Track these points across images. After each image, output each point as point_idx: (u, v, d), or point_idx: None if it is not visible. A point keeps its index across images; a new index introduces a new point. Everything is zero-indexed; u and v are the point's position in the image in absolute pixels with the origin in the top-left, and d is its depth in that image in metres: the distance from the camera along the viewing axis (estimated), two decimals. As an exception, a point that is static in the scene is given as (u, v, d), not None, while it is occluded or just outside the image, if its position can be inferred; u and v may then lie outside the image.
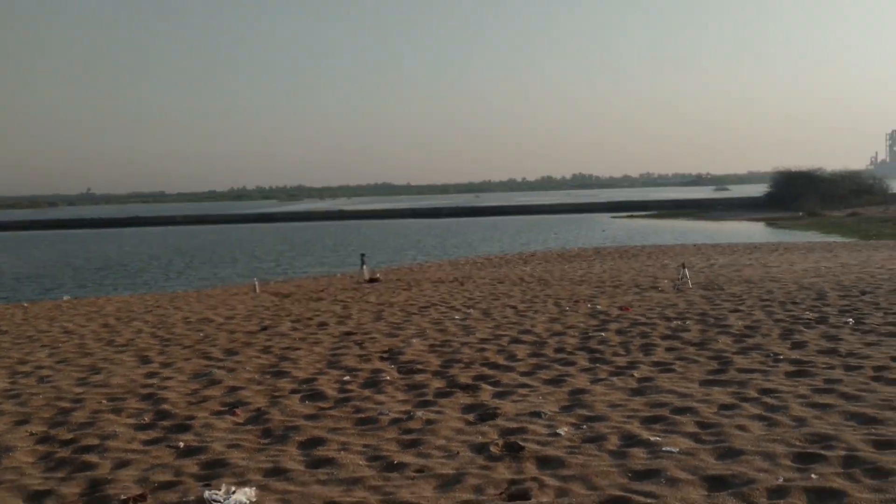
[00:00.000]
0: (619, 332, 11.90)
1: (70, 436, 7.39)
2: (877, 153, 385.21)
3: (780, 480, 5.35)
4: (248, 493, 5.49)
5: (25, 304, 21.69)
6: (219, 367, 10.40)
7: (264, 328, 14.03)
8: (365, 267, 25.10)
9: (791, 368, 8.89)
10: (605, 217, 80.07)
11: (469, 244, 48.01)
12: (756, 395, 7.76)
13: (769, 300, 14.73)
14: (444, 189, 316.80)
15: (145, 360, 11.33)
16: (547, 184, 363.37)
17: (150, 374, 10.21)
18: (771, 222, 59.21)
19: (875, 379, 8.21)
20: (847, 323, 11.77)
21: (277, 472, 6.07)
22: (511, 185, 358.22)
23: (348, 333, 12.95)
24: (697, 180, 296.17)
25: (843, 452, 5.85)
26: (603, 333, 11.76)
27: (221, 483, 5.72)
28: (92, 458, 6.64)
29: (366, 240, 53.97)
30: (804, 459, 5.79)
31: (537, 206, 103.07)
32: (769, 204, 77.16)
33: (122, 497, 5.60)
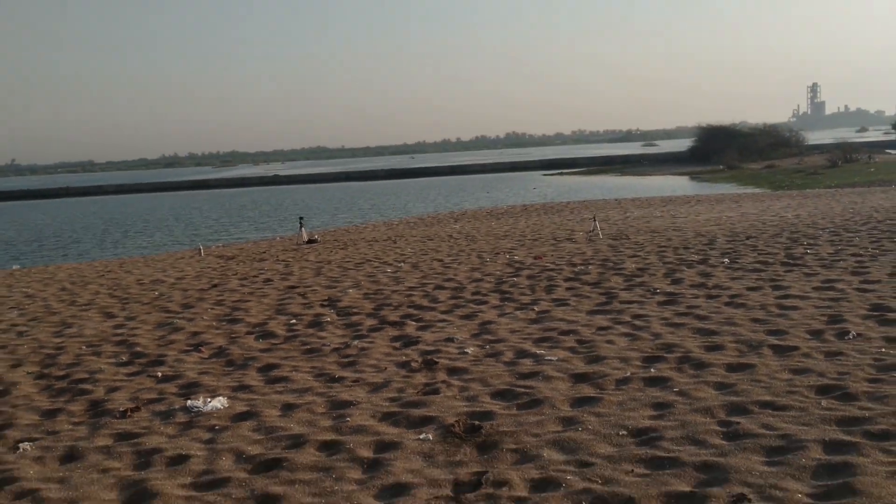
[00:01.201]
0: (529, 277, 13.65)
1: (62, 373, 8.83)
2: (798, 106, 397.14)
3: (627, 374, 7.14)
4: (221, 401, 7.07)
5: (-24, 274, 22.53)
6: (179, 318, 11.84)
7: (214, 285, 15.43)
8: (303, 229, 26.42)
9: (664, 299, 10.77)
10: (537, 175, 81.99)
11: (404, 205, 49.36)
12: (629, 319, 9.59)
13: (666, 246, 16.66)
14: (379, 151, 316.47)
15: (110, 315, 12.68)
16: (481, 143, 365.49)
17: (118, 326, 11.61)
18: (694, 176, 61.80)
19: (727, 304, 10.11)
20: (723, 262, 13.74)
21: (242, 387, 7.66)
22: (445, 146, 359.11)
23: (292, 287, 14.45)
24: (627, 136, 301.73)
25: (679, 354, 7.68)
26: (515, 279, 13.50)
27: (199, 396, 7.28)
28: (86, 386, 8.12)
29: (302, 204, 54.87)
30: (650, 360, 7.59)
31: (471, 165, 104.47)
32: (692, 159, 79.91)
33: (121, 409, 7.12)
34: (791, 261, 13.45)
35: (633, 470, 4.97)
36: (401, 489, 4.94)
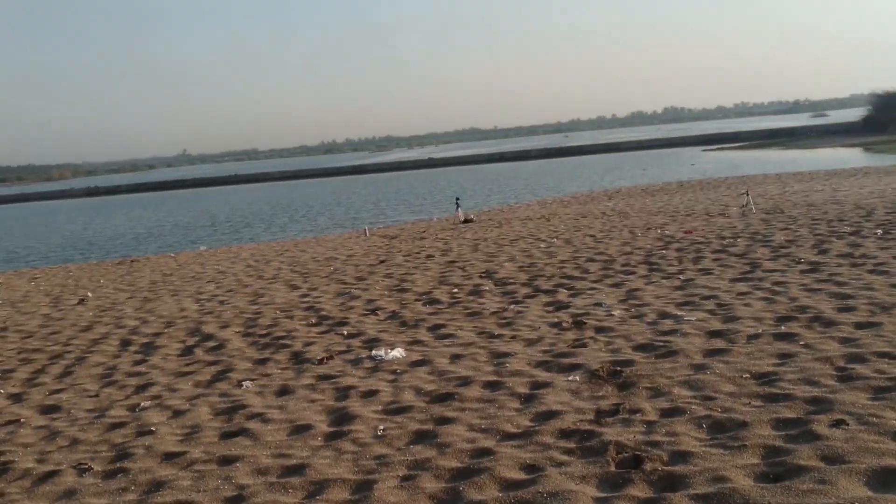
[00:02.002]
0: (678, 249, 14.28)
1: (264, 332, 10.43)
2: None
3: (759, 331, 7.84)
4: (400, 351, 8.35)
5: (173, 255, 25.33)
6: (354, 289, 13.34)
7: (382, 261, 16.96)
8: (459, 210, 27.79)
9: (807, 268, 11.20)
10: (696, 151, 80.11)
11: (557, 185, 49.99)
12: (769, 285, 10.17)
13: (820, 219, 16.73)
14: (532, 130, 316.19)
15: (294, 287, 14.38)
16: (637, 119, 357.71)
17: (303, 296, 13.24)
18: (867, 147, 58.75)
19: (870, 272, 10.46)
20: (876, 234, 13.83)
21: (416, 342, 8.93)
22: (600, 123, 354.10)
23: (452, 262, 15.72)
24: (795, 107, 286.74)
25: (811, 315, 8.28)
26: (664, 251, 14.17)
27: (381, 348, 8.59)
28: (286, 342, 9.65)
29: (457, 186, 56.48)
30: (782, 320, 8.24)
31: (627, 142, 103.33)
32: (866, 128, 75.67)
33: (318, 358, 8.54)
34: (948, 230, 13.39)
35: (749, 402, 5.79)
36: (551, 415, 5.99)
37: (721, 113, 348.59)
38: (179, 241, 33.90)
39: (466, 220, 26.31)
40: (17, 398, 8.34)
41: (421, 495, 4.86)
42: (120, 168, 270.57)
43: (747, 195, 21.00)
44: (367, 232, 25.71)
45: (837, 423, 5.18)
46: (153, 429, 6.69)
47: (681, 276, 11.51)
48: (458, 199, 29.82)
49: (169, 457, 5.98)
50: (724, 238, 15.22)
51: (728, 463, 4.81)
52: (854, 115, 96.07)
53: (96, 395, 8.08)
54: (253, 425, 6.49)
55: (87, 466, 5.92)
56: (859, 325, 7.69)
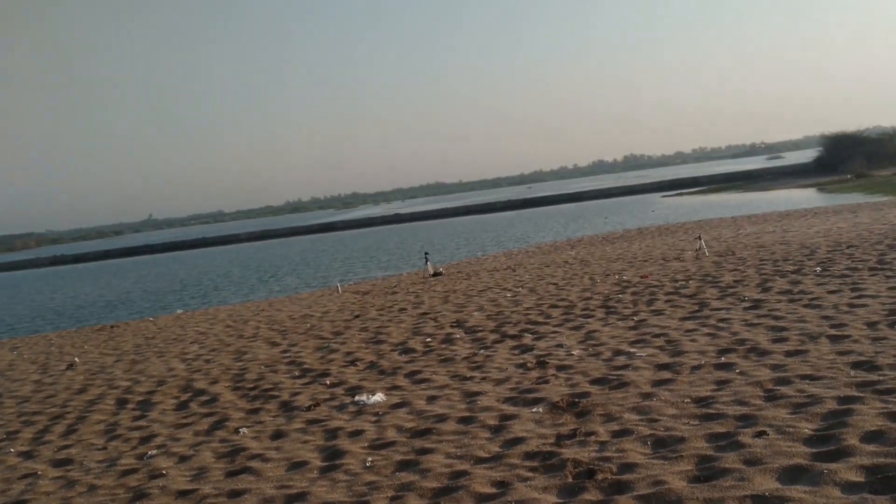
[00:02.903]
0: (633, 293, 15.29)
1: (252, 385, 11.20)
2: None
3: (702, 362, 8.80)
4: (380, 396, 9.19)
5: (151, 319, 25.91)
6: (333, 343, 14.14)
7: (357, 316, 17.78)
8: (429, 263, 28.74)
9: (749, 305, 12.25)
10: (656, 197, 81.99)
11: (523, 236, 51.19)
12: (714, 322, 11.17)
13: (767, 259, 17.90)
14: (496, 183, 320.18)
15: (274, 344, 15.14)
16: (599, 168, 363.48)
17: (284, 351, 14.01)
18: (820, 187, 60.82)
19: (805, 306, 11.52)
20: (815, 271, 14.97)
21: (394, 387, 9.77)
22: (563, 173, 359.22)
23: (424, 314, 16.59)
24: (751, 150, 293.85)
25: (749, 346, 9.27)
26: (621, 296, 15.17)
27: (363, 394, 9.41)
28: (273, 393, 10.43)
29: (425, 240, 57.52)
30: (723, 352, 9.21)
31: (588, 192, 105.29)
32: (818, 169, 78.06)
33: (306, 405, 9.34)
34: (879, 266, 14.55)
35: (688, 422, 6.71)
36: (518, 441, 6.86)
37: (680, 158, 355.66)
38: (151, 307, 33.85)
39: (436, 274, 27.23)
40: (27, 455, 9.02)
41: (408, 510, 5.69)
42: (85, 235, 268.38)
43: (699, 240, 22.20)
44: (339, 289, 26.52)
45: (760, 434, 6.11)
46: (164, 472, 7.44)
47: (635, 318, 12.49)
48: (426, 253, 30.80)
49: (182, 493, 6.74)
50: (676, 281, 16.27)
51: (667, 470, 5.70)
52: (807, 156, 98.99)
53: (104, 448, 8.80)
54: (254, 464, 7.27)
55: (108, 507, 6.66)
56: (789, 353, 8.68)
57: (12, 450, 9.30)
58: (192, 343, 17.03)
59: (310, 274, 42.39)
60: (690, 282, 15.84)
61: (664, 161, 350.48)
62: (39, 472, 8.14)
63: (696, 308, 12.65)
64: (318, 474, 6.79)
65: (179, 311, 28.36)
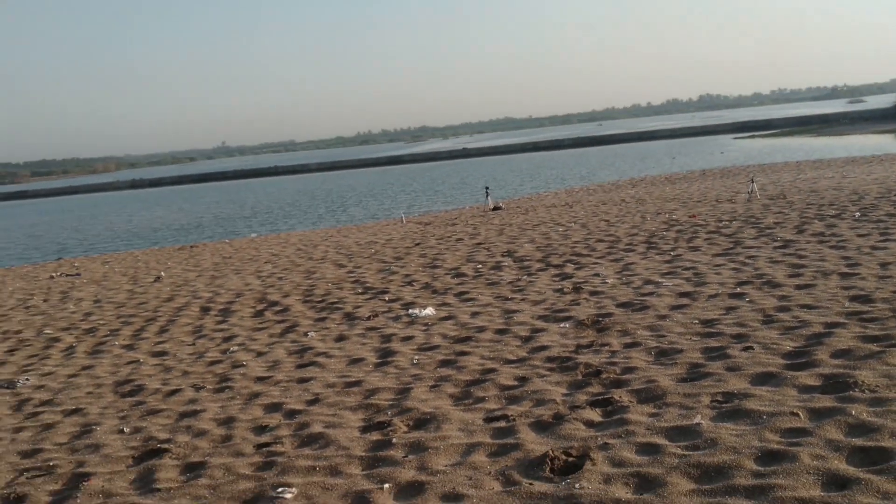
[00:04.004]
0: (678, 231, 16.16)
1: (319, 299, 12.59)
2: None
3: (719, 291, 9.78)
4: (431, 310, 10.44)
5: (228, 241, 27.69)
6: (393, 266, 15.44)
7: (417, 244, 19.05)
8: (489, 198, 29.79)
9: (780, 244, 13.06)
10: (727, 139, 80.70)
11: (588, 174, 51.51)
12: (742, 259, 12.06)
13: (814, 204, 18.46)
14: (567, 119, 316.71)
15: (341, 266, 16.53)
16: (672, 107, 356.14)
17: (350, 272, 15.38)
18: (899, 133, 59.29)
19: (832, 247, 12.29)
20: (854, 216, 15.58)
21: (444, 304, 11.03)
22: (635, 111, 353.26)
23: (479, 244, 17.75)
24: (833, 93, 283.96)
25: (765, 280, 10.19)
26: (665, 233, 16.05)
27: (416, 308, 10.68)
28: (339, 305, 11.79)
29: (489, 176, 58.19)
30: (742, 283, 10.16)
31: (659, 130, 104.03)
32: (901, 114, 75.88)
33: (366, 316, 10.67)
34: (918, 212, 15.08)
35: (690, 338, 7.77)
36: (542, 348, 8.04)
37: (757, 100, 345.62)
38: (224, 232, 34.47)
39: (495, 208, 28.28)
40: (129, 347, 10.59)
41: (443, 395, 6.95)
42: (161, 160, 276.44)
43: (752, 182, 22.72)
44: (403, 220, 27.84)
45: (747, 349, 7.15)
46: (244, 363, 8.86)
47: (672, 253, 13.43)
48: (487, 188, 31.81)
49: (260, 379, 8.13)
50: (721, 221, 17.04)
51: (661, 373, 6.81)
52: (889, 101, 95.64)
53: (193, 344, 10.31)
54: (320, 359, 8.64)
55: (201, 385, 8.10)
56: (798, 287, 9.60)
57: (116, 343, 10.89)
58: (265, 263, 18.56)
59: (376, 205, 43.48)
60: (734, 222, 16.59)
61: (740, 102, 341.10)
62: (141, 360, 9.67)
63: (731, 246, 13.50)
64: (373, 368, 8.10)
65: (254, 235, 30.09)
